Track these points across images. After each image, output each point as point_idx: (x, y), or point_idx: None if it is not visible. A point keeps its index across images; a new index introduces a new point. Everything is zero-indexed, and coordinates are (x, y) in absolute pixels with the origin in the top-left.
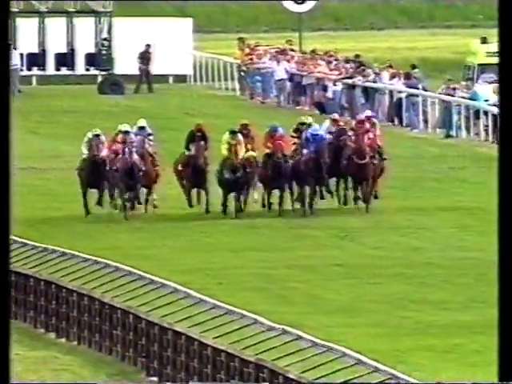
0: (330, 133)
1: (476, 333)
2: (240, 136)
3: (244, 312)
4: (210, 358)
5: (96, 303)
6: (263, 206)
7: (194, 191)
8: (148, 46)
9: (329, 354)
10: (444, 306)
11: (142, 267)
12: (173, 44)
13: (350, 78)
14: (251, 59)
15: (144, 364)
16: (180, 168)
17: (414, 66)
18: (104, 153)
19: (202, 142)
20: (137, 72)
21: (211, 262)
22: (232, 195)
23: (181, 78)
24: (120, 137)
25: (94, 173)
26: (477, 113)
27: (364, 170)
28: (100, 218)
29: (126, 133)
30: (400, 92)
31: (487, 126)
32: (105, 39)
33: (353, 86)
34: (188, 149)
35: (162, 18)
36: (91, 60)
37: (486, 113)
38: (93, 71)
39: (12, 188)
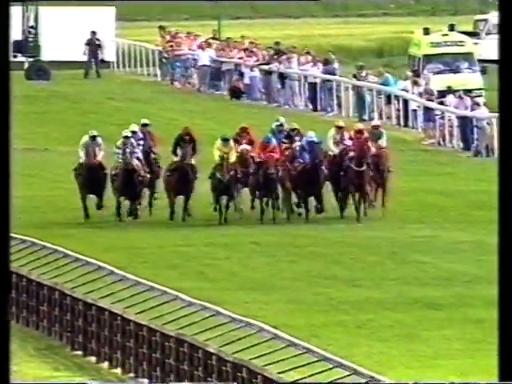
0: (335, 143)
1: (387, 309)
2: (232, 143)
3: (165, 289)
4: (133, 332)
5: (24, 280)
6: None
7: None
8: (94, 33)
9: (246, 329)
10: (355, 283)
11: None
12: (97, 32)
13: (267, 64)
14: (171, 46)
15: (69, 339)
16: (167, 174)
17: (331, 53)
18: (101, 156)
19: (189, 147)
20: (64, 58)
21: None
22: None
23: (104, 65)
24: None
25: (90, 178)
26: (388, 98)
27: (361, 178)
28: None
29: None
30: (315, 77)
31: (399, 110)
32: (31, 27)
33: (269, 72)
34: (175, 153)
35: (87, 6)
36: (18, 47)
37: (397, 98)
38: (20, 58)
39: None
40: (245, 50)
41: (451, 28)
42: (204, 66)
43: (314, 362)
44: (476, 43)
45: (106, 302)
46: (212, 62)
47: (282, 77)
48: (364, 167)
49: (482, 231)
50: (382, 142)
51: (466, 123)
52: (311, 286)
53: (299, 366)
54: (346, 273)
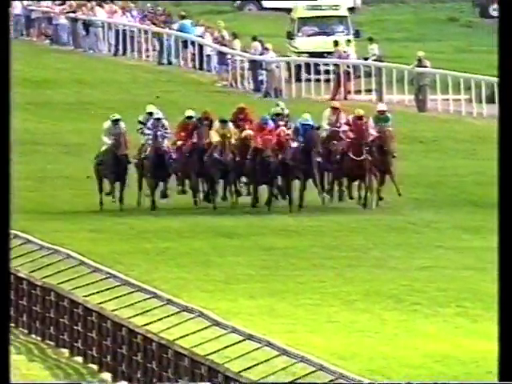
0: (330, 124)
1: (185, 237)
2: (231, 125)
3: None
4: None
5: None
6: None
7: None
8: None
9: (55, 256)
10: (153, 213)
11: None
12: None
13: (73, 12)
14: None
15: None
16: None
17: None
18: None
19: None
20: None
21: None
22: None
23: None
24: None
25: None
26: (185, 43)
27: (360, 167)
28: None
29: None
30: (122, 25)
31: (194, 54)
32: None
33: (75, 20)
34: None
35: None
36: None
37: (193, 43)
38: None
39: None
40: None
41: None
42: (17, 15)
43: (116, 287)
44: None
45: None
46: (23, 10)
47: (86, 24)
48: (363, 156)
49: None
50: (389, 127)
51: (255, 66)
52: (112, 216)
53: (103, 290)
54: (146, 203)
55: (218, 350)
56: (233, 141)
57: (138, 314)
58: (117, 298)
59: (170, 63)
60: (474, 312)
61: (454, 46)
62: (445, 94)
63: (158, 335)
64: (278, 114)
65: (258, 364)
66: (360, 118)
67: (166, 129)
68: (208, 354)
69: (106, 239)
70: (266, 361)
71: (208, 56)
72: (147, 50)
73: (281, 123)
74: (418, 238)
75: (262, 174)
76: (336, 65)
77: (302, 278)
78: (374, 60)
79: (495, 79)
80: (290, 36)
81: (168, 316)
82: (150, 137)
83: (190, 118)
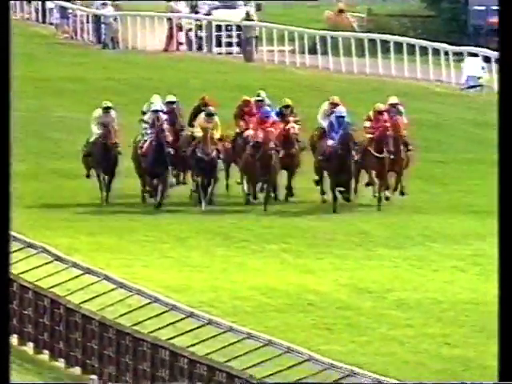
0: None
1: (30, 180)
2: (217, 118)
3: None
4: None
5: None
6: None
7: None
8: None
9: None
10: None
11: None
12: None
13: None
14: None
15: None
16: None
17: None
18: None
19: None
20: None
21: None
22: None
23: None
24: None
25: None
26: None
27: (382, 165)
28: None
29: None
30: None
31: (37, 8)
32: None
33: None
34: (192, 125)
35: None
36: None
37: None
38: None
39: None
40: None
41: None
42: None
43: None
44: None
45: None
46: None
47: None
48: (384, 153)
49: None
50: (402, 120)
51: (96, 20)
52: None
53: None
54: None
55: (60, 283)
56: (217, 135)
57: None
58: None
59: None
60: (297, 248)
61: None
62: (270, 45)
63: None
64: (286, 106)
65: (97, 296)
66: (381, 112)
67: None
68: (51, 287)
69: None
70: (104, 293)
71: (50, 10)
72: None
73: (291, 118)
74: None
75: (262, 169)
76: (169, 19)
77: (137, 216)
78: (205, 14)
79: (317, 31)
80: (194, 10)
81: (13, 251)
82: (149, 131)
83: (171, 103)
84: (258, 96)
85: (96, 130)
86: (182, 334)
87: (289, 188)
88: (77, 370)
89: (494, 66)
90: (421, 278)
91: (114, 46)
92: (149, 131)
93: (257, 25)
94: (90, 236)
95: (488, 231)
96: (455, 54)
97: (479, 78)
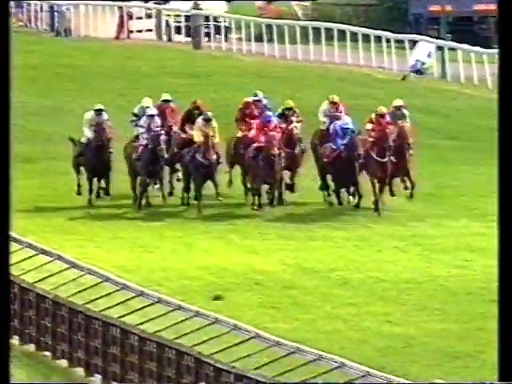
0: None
1: None
2: (214, 123)
3: None
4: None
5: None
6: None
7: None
8: None
9: None
10: None
11: None
12: None
13: None
14: None
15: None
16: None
17: None
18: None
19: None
20: None
21: None
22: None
23: None
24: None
25: (98, 160)
26: None
27: (384, 170)
28: None
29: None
30: None
31: None
32: None
33: None
34: (184, 130)
35: None
36: None
37: None
38: None
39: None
40: None
41: None
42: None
43: None
44: None
45: None
46: None
47: None
48: (387, 158)
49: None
50: (405, 124)
51: (50, 9)
52: None
53: None
54: None
55: (15, 263)
56: (216, 140)
57: None
58: None
59: None
60: (243, 229)
61: None
62: (218, 34)
63: None
64: (289, 109)
65: (50, 275)
66: (382, 115)
67: (157, 126)
68: None
69: None
70: (58, 272)
71: None
72: None
73: (293, 119)
74: None
75: (266, 171)
76: (120, 7)
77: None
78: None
79: (263, 20)
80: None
81: None
82: (145, 135)
83: (166, 101)
84: (256, 96)
85: (88, 132)
86: (133, 312)
87: (290, 186)
88: (31, 347)
89: (436, 55)
90: (363, 258)
91: (67, 34)
92: (144, 136)
93: (204, 14)
94: (42, 218)
95: (428, 213)
96: (397, 41)
97: (423, 63)
